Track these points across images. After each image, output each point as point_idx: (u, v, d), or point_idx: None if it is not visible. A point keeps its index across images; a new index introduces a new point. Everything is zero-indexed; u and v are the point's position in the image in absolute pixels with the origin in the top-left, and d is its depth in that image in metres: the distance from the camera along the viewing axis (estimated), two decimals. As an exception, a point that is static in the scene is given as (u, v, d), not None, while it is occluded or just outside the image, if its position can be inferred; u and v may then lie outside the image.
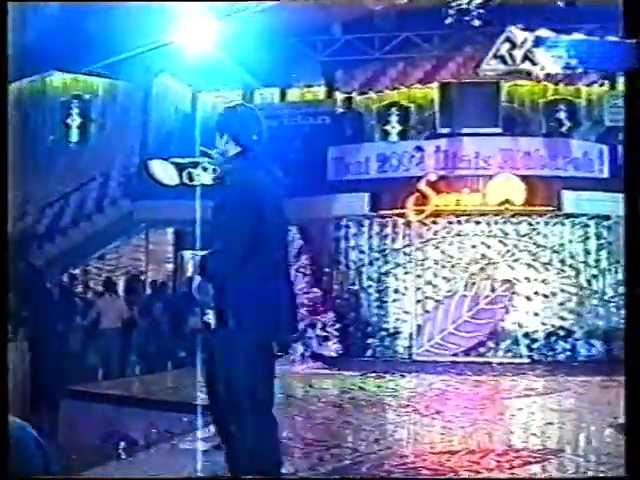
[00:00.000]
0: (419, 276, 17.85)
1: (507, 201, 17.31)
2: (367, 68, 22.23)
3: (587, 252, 17.57)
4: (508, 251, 17.64)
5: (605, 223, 17.36)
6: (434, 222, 17.83)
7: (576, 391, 12.81)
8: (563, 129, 20.66)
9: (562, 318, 17.34)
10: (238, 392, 4.79)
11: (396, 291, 18.03)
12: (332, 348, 17.48)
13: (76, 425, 10.57)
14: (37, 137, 22.82)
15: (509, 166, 17.65)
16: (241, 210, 4.83)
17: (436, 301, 17.71)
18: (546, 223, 17.67)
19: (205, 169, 17.11)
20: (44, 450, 3.74)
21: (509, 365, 16.37)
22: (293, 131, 20.92)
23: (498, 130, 18.84)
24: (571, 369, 15.51)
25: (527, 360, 16.90)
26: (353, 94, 21.90)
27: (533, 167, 17.77)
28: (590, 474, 6.74)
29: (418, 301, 17.77)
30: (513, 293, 17.44)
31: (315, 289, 18.03)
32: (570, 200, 17.34)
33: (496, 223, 17.68)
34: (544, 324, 17.36)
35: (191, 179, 17.98)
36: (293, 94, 23.45)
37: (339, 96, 22.19)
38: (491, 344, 17.39)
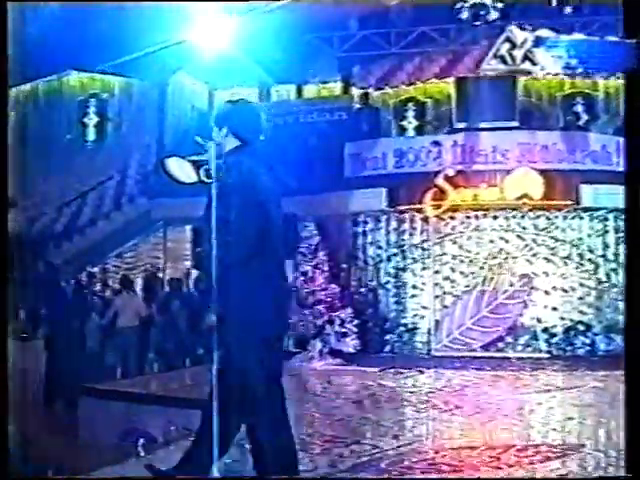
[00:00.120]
0: (437, 271, 17.82)
1: (525, 195, 17.26)
2: (383, 63, 22.16)
3: (606, 246, 17.49)
4: (526, 245, 17.59)
5: (624, 216, 17.23)
6: (452, 217, 17.80)
7: (596, 386, 12.74)
8: (581, 122, 20.54)
9: (581, 312, 17.28)
10: (246, 388, 4.78)
11: (414, 287, 18.01)
12: (350, 344, 17.47)
13: (95, 423, 10.59)
14: (54, 136, 22.92)
15: (527, 160, 17.59)
16: (245, 206, 4.80)
17: (454, 296, 17.68)
18: (564, 217, 17.60)
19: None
20: None
21: (528, 360, 16.31)
22: (310, 128, 20.91)
23: (515, 124, 18.78)
24: (591, 364, 15.42)
25: (546, 355, 16.86)
26: (369, 90, 21.84)
27: (551, 161, 17.70)
28: (611, 470, 6.70)
29: (436, 296, 17.75)
30: (532, 288, 17.39)
31: (333, 285, 18.04)
32: (588, 194, 17.27)
33: (514, 217, 17.63)
34: (563, 319, 17.30)
35: (208, 176, 17.98)
36: (309, 90, 23.44)
37: (355, 92, 22.14)
38: (510, 339, 17.35)
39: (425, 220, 17.88)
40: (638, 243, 5.17)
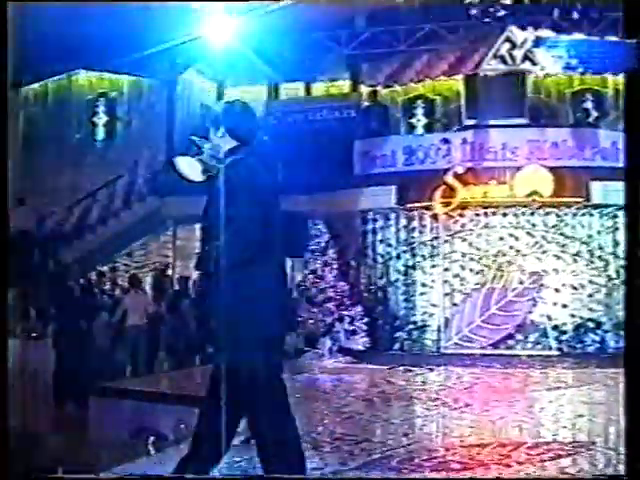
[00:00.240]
0: (447, 269, 17.81)
1: (535, 192, 17.23)
2: (392, 61, 22.11)
3: (616, 243, 17.43)
4: (536, 243, 17.56)
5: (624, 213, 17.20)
6: (461, 214, 17.78)
7: (606, 383, 12.71)
8: (590, 119, 20.47)
9: (591, 310, 17.24)
10: (246, 385, 4.78)
11: (423, 284, 18.00)
12: (360, 342, 17.46)
13: (105, 421, 10.61)
14: (64, 136, 22.99)
15: (536, 157, 17.56)
16: (243, 206, 4.80)
17: (464, 294, 17.66)
18: (574, 214, 17.57)
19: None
20: None
21: (538, 357, 16.29)
22: (319, 126, 20.90)
23: (525, 121, 18.73)
24: (601, 361, 15.38)
25: (556, 352, 16.83)
26: (378, 87, 21.81)
27: (561, 158, 17.66)
28: (621, 467, 6.67)
29: (446, 294, 17.74)
30: (541, 285, 17.37)
31: (342, 283, 18.03)
32: (598, 191, 17.22)
33: (524, 215, 17.60)
34: (573, 316, 17.27)
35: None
36: (318, 88, 23.42)
37: (364, 89, 22.11)
38: (520, 336, 17.32)
39: (434, 217, 17.87)
40: (637, 240, 5.16)
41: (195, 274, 15.17)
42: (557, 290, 17.37)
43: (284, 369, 4.95)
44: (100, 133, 23.30)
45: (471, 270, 17.71)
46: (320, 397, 11.68)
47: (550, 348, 17.03)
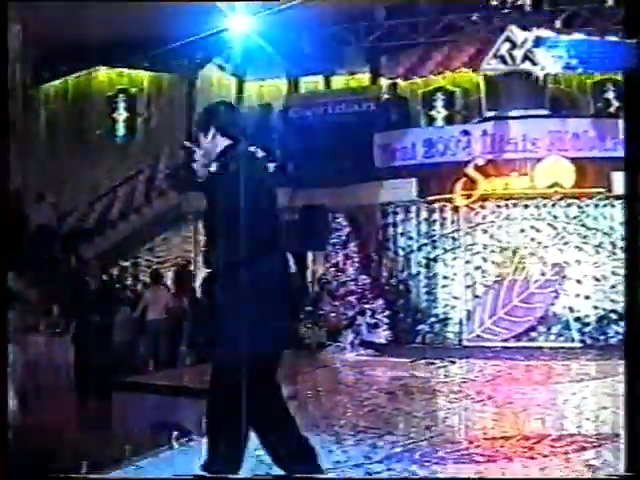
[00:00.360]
0: (468, 261, 17.77)
1: (556, 184, 17.17)
2: (411, 53, 22.05)
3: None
4: (558, 234, 17.48)
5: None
6: (482, 206, 17.73)
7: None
8: (611, 109, 20.36)
9: (613, 301, 17.12)
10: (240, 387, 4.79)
11: (445, 277, 17.97)
12: (382, 335, 17.46)
13: (129, 416, 10.65)
14: (84, 132, 23.08)
15: (557, 148, 17.48)
16: (246, 202, 4.81)
17: (486, 286, 17.62)
18: (596, 205, 17.48)
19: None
20: None
21: (561, 349, 16.24)
22: (339, 119, 20.87)
23: (545, 112, 18.63)
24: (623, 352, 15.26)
25: (579, 344, 16.77)
26: (398, 80, 21.76)
27: (582, 149, 17.58)
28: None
29: (467, 286, 17.70)
30: (563, 277, 17.30)
31: (364, 276, 18.02)
32: (620, 181, 17.11)
33: (545, 206, 17.53)
34: (595, 307, 17.20)
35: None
36: (338, 82, 23.38)
37: (384, 82, 22.06)
38: (542, 328, 17.27)
39: (455, 210, 17.83)
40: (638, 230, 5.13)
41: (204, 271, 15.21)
42: (579, 282, 17.30)
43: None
44: (120, 129, 23.39)
45: (493, 262, 17.66)
46: (342, 390, 11.70)
47: (573, 340, 16.97)
